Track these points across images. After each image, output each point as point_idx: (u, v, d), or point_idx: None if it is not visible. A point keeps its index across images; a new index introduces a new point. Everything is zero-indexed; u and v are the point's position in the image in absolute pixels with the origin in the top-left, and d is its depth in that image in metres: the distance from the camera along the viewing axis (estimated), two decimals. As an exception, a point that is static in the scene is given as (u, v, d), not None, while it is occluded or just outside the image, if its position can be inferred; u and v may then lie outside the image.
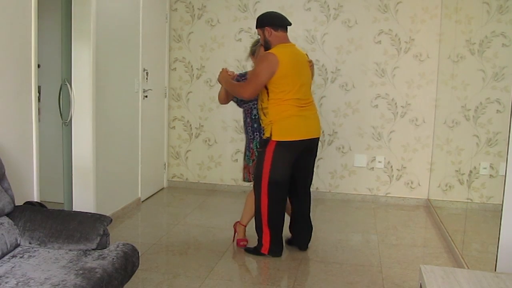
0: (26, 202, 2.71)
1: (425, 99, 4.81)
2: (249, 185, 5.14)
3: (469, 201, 3.62)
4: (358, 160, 4.99)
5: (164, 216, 4.50)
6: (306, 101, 3.35)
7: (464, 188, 3.76)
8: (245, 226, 3.64)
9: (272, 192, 3.33)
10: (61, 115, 3.67)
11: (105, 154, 3.93)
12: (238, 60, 5.05)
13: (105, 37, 3.83)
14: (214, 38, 5.12)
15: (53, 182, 3.96)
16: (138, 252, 2.44)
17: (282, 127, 3.28)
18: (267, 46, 3.36)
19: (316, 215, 4.21)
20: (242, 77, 3.57)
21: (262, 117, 3.39)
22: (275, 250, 3.42)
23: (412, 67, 4.80)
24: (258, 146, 3.49)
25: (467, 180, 3.68)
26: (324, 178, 5.07)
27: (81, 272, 2.09)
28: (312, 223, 3.65)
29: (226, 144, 5.23)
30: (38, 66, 3.06)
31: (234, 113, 5.11)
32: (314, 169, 3.63)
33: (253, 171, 3.51)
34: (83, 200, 3.73)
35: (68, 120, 3.66)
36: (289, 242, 3.63)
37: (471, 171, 3.57)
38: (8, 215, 2.42)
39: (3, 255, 2.27)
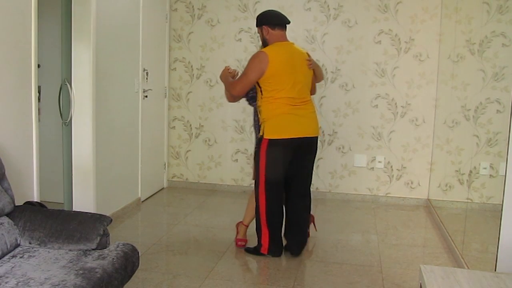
0: (26, 202, 2.71)
1: (425, 99, 4.81)
2: (250, 185, 5.16)
3: (469, 201, 3.62)
4: (358, 160, 4.99)
5: (164, 216, 4.50)
6: (301, 100, 3.33)
7: (464, 188, 3.76)
8: (247, 226, 3.64)
9: (269, 191, 3.33)
10: (61, 115, 3.67)
11: (105, 154, 3.93)
12: (238, 60, 5.05)
13: (105, 37, 3.83)
14: (214, 38, 5.12)
15: (53, 182, 3.96)
16: (138, 252, 2.44)
17: (273, 125, 3.28)
18: (265, 45, 3.39)
19: (316, 215, 4.21)
20: None
21: (258, 115, 3.41)
22: (275, 250, 3.42)
23: (412, 67, 4.80)
24: (255, 145, 3.50)
25: (467, 180, 3.68)
26: (324, 178, 5.07)
27: (81, 272, 2.09)
28: (309, 227, 3.63)
29: (226, 144, 5.23)
30: (38, 66, 3.06)
31: (234, 113, 5.12)
32: (314, 169, 3.61)
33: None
34: (83, 200, 3.74)
35: (68, 120, 3.66)
36: (284, 247, 3.57)
37: (471, 171, 3.57)
38: (8, 215, 2.42)
39: (3, 255, 2.27)
